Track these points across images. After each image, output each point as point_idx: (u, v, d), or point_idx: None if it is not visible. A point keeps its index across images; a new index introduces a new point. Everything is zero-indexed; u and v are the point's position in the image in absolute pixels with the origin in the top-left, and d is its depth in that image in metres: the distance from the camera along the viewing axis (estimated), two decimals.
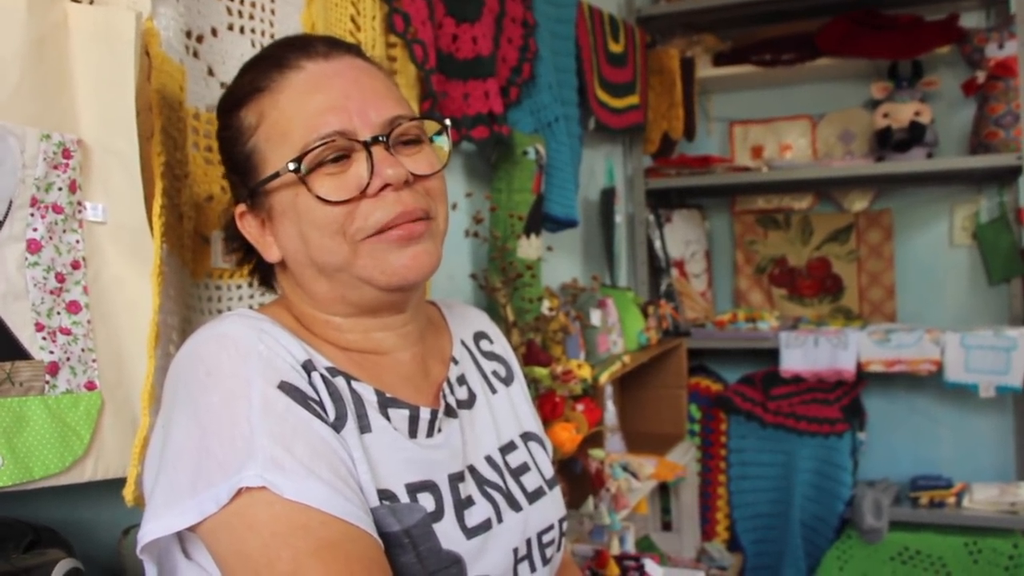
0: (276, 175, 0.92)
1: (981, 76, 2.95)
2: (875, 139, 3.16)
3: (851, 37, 3.10)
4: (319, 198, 0.90)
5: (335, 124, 0.91)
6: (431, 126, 1.02)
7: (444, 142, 1.01)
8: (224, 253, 1.09)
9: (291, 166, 0.90)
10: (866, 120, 3.37)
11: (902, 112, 3.06)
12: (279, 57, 0.96)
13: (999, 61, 2.87)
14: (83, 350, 1.03)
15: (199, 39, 1.28)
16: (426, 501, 0.90)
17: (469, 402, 1.06)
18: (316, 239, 0.92)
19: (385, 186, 0.91)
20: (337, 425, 0.87)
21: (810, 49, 3.22)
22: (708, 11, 3.27)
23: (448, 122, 1.02)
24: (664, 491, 3.08)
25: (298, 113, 0.92)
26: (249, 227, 0.99)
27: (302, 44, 0.97)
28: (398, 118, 0.94)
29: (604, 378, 2.22)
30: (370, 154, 0.91)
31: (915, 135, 3.01)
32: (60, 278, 1.02)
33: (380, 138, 0.92)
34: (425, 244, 0.94)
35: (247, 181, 0.97)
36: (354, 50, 0.99)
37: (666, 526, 3.12)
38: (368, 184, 0.91)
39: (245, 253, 1.05)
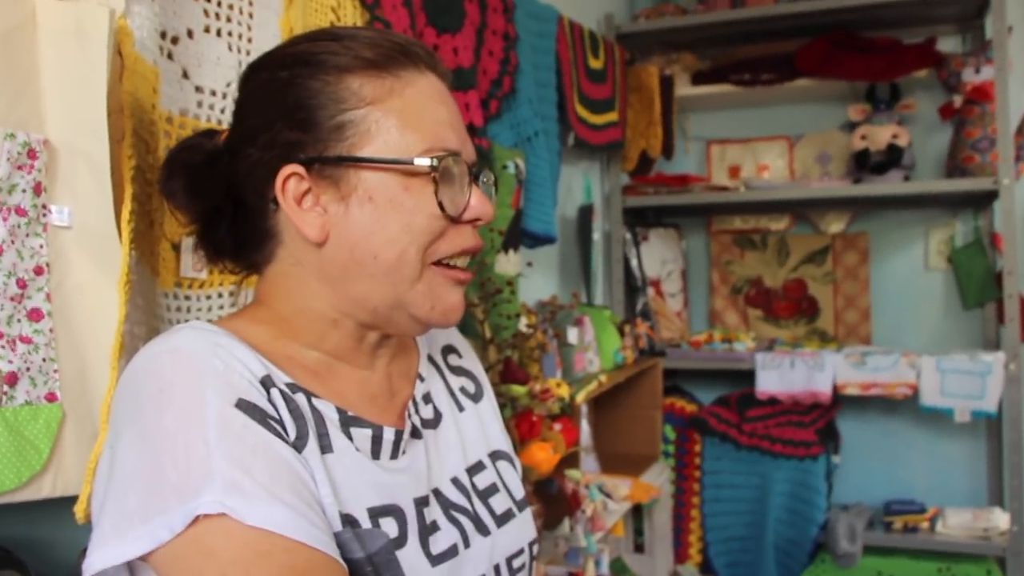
0: (406, 161, 0.88)
1: (958, 100, 2.96)
2: (852, 161, 3.16)
3: (830, 58, 3.11)
4: (440, 205, 0.89)
5: (455, 142, 0.91)
6: None
7: (494, 194, 1.05)
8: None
9: (432, 162, 0.88)
10: (843, 142, 3.38)
11: (880, 135, 3.07)
12: (400, 46, 0.92)
13: (976, 86, 2.89)
14: (44, 360, 0.99)
15: (174, 40, 1.23)
16: (389, 527, 0.86)
17: (435, 421, 1.02)
18: (403, 242, 0.88)
19: (474, 220, 0.93)
20: (298, 445, 0.83)
21: (789, 70, 3.23)
22: (687, 29, 3.28)
23: (493, 178, 1.03)
24: (637, 512, 3.05)
25: (425, 115, 0.90)
26: (291, 191, 0.89)
27: (423, 48, 0.95)
28: (476, 162, 0.96)
29: (581, 397, 2.19)
30: (471, 183, 0.93)
31: (892, 158, 3.02)
32: (21, 284, 0.97)
33: (473, 172, 0.94)
34: (463, 292, 0.95)
35: (325, 147, 0.88)
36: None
37: (639, 548, 3.09)
38: (464, 211, 0.91)
39: (205, 215, 0.95)
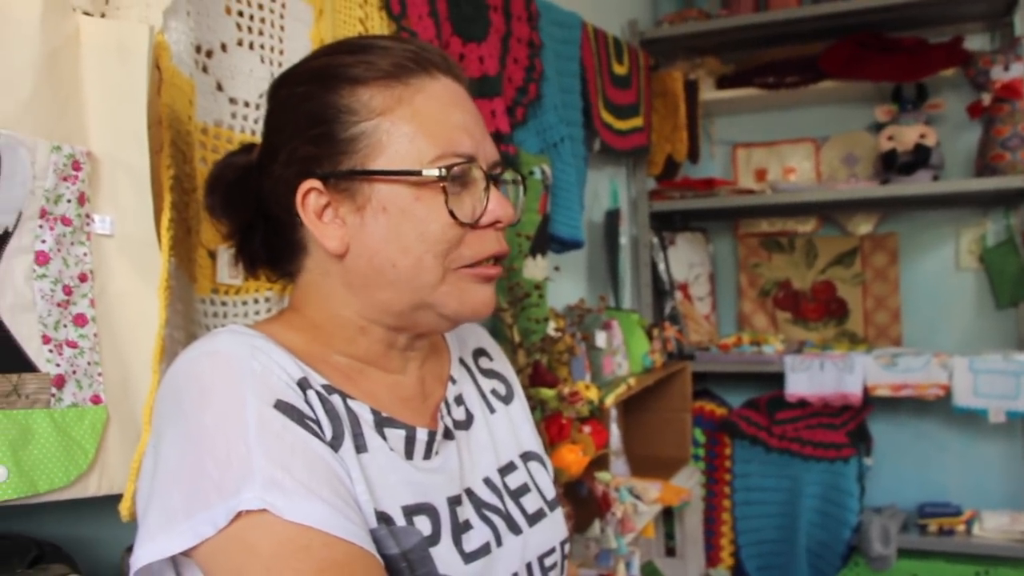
0: (414, 172, 0.89)
1: (987, 98, 2.95)
2: (880, 162, 3.15)
3: (855, 60, 3.11)
4: (452, 213, 0.89)
5: (468, 147, 0.91)
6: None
7: (522, 195, 1.04)
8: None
9: (440, 171, 0.89)
10: (870, 143, 3.37)
11: (907, 135, 3.05)
12: (412, 53, 0.93)
13: (1005, 83, 2.88)
14: (89, 363, 1.02)
15: (208, 54, 1.27)
16: (423, 525, 0.88)
17: (467, 423, 1.05)
18: (418, 251, 0.90)
19: (493, 223, 0.93)
20: (334, 444, 0.86)
21: (814, 72, 3.22)
22: (711, 34, 3.28)
23: (521, 177, 1.04)
24: (668, 516, 3.05)
25: (436, 121, 0.91)
26: (310, 206, 0.92)
27: (436, 52, 0.96)
28: (499, 162, 0.96)
29: (610, 400, 2.20)
30: (489, 188, 0.93)
31: (920, 158, 3.01)
32: (67, 290, 1.01)
33: (492, 175, 0.94)
34: (493, 287, 0.96)
35: (339, 161, 0.90)
36: (467, 84, 1.00)
37: (670, 551, 3.09)
38: (482, 215, 0.92)
39: (240, 229, 1.00)
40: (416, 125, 0.90)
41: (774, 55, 3.36)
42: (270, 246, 0.99)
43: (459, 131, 0.92)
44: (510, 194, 1.01)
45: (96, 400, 1.03)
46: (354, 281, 0.93)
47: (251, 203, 0.97)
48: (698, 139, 3.36)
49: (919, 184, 3.01)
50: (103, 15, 1.08)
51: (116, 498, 1.04)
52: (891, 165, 3.07)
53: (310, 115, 0.92)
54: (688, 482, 2.86)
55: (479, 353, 1.16)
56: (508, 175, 1.00)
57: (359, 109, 0.90)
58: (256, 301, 1.34)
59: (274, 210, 0.95)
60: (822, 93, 3.32)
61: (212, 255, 1.26)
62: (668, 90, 3.20)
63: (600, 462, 2.13)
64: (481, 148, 0.93)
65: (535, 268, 2.09)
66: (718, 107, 3.54)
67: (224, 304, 1.29)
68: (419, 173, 0.89)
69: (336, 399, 0.89)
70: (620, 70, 2.83)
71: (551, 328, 2.14)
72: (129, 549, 1.13)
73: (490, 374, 1.15)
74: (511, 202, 0.97)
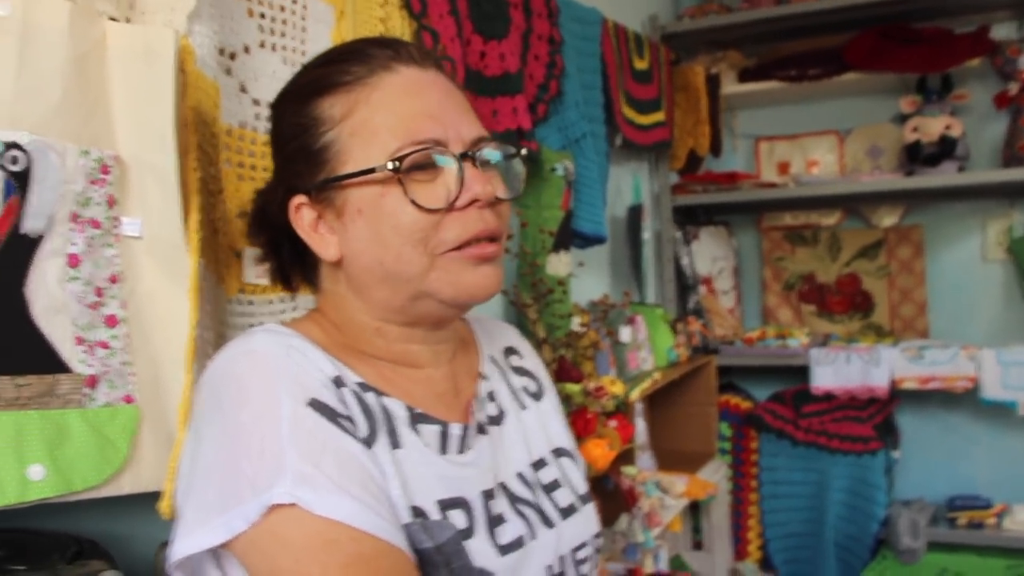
0: (369, 171, 0.90)
1: (1014, 88, 2.92)
2: (904, 153, 3.13)
3: (879, 51, 3.09)
4: (414, 203, 0.89)
5: (431, 132, 0.91)
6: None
7: (520, 168, 1.02)
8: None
9: (391, 165, 0.89)
10: (894, 135, 3.34)
11: (932, 126, 3.03)
12: (369, 54, 0.94)
13: None
14: (121, 363, 1.04)
15: (232, 56, 1.29)
16: (457, 518, 0.90)
17: (499, 418, 1.06)
18: (396, 245, 0.91)
19: (472, 202, 0.91)
20: (368, 441, 0.87)
21: (836, 64, 3.21)
22: (732, 27, 3.27)
23: (524, 151, 1.02)
24: (695, 510, 3.06)
25: (393, 114, 0.91)
26: (304, 220, 0.95)
27: (393, 46, 0.96)
28: (483, 138, 0.95)
29: (636, 394, 2.21)
30: (461, 168, 0.91)
31: (946, 149, 2.99)
32: (99, 292, 1.03)
33: (469, 154, 0.92)
34: (494, 266, 0.95)
35: (315, 173, 0.94)
36: (440, 65, 0.99)
37: (697, 545, 3.10)
38: (457, 197, 0.91)
39: (271, 249, 1.03)
40: (370, 126, 0.92)
41: (796, 47, 3.34)
42: (293, 262, 1.03)
43: (419, 118, 0.92)
44: (513, 169, 1.01)
45: (128, 400, 1.04)
46: (356, 285, 0.96)
47: (270, 224, 1.01)
48: (720, 133, 3.35)
49: (945, 176, 2.99)
50: (129, 20, 1.10)
51: (149, 496, 1.06)
52: (916, 157, 3.05)
53: (288, 132, 0.96)
54: (715, 476, 2.86)
55: (510, 351, 1.17)
56: (489, 152, 0.96)
57: (325, 119, 0.93)
58: (282, 300, 1.35)
59: (286, 227, 0.98)
60: (845, 85, 3.30)
61: (238, 255, 1.27)
62: (690, 84, 3.19)
63: (626, 456, 2.13)
64: (452, 129, 0.93)
65: (559, 264, 2.09)
66: (740, 100, 3.53)
67: (251, 303, 1.31)
68: (373, 171, 0.90)
69: (370, 396, 0.91)
70: (641, 65, 2.82)
71: (575, 323, 2.14)
72: (163, 545, 1.15)
73: (521, 371, 1.16)
74: (495, 177, 0.96)
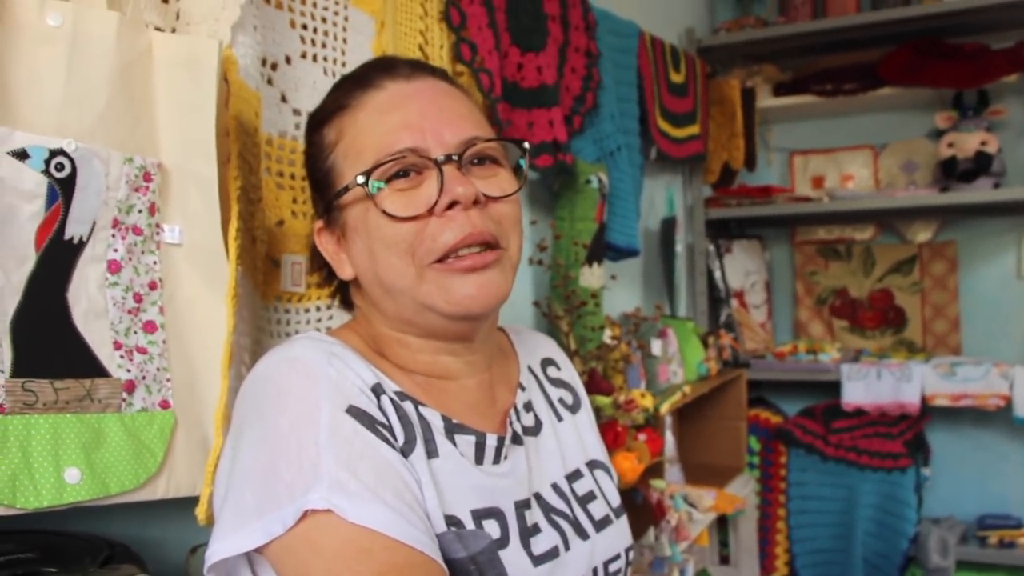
0: (346, 189, 0.93)
1: None
2: (939, 169, 3.11)
3: (914, 66, 3.07)
4: (385, 213, 0.90)
5: (407, 141, 0.91)
6: (512, 153, 1.01)
7: (522, 165, 1.01)
8: (307, 272, 1.10)
9: (359, 179, 0.90)
10: (930, 150, 3.32)
11: (967, 142, 3.01)
12: (363, 76, 0.98)
13: None
14: (158, 369, 1.05)
15: (273, 67, 1.30)
16: (491, 528, 0.89)
17: (535, 429, 1.06)
18: (384, 258, 0.92)
19: (453, 204, 0.90)
20: (405, 449, 0.87)
21: (872, 79, 3.19)
22: (768, 41, 3.27)
23: (527, 146, 1.01)
24: (722, 524, 3.04)
25: (374, 130, 0.93)
26: (326, 243, 1.00)
27: (386, 65, 0.98)
28: (474, 139, 0.93)
29: (665, 408, 2.20)
30: (441, 172, 0.90)
31: (981, 165, 2.96)
32: (138, 298, 1.04)
33: (452, 157, 0.91)
34: (492, 274, 0.92)
35: (324, 197, 0.98)
36: (439, 73, 1.00)
37: (724, 560, 3.08)
38: (436, 202, 0.90)
39: (327, 273, 1.04)
40: (356, 145, 0.94)
41: (831, 62, 3.33)
42: (340, 282, 1.05)
43: (395, 131, 0.92)
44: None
45: (164, 405, 1.06)
46: (372, 300, 0.98)
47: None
48: (755, 146, 3.34)
49: (980, 192, 2.96)
50: (174, 30, 1.11)
51: (182, 500, 1.07)
52: (951, 172, 3.02)
53: (307, 161, 1.02)
54: (743, 490, 2.84)
55: (547, 363, 1.17)
56: (470, 155, 0.93)
57: (326, 145, 0.98)
58: (318, 308, 1.36)
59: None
60: (880, 100, 3.28)
61: (276, 263, 1.28)
62: (725, 97, 3.19)
63: (655, 470, 2.13)
64: (432, 134, 0.92)
65: (591, 276, 2.09)
66: (775, 114, 3.52)
67: (288, 311, 1.32)
68: (347, 189, 0.93)
69: (408, 405, 0.91)
70: (677, 78, 2.82)
71: (607, 336, 2.14)
72: (194, 550, 1.16)
73: (558, 383, 1.16)
74: (493, 176, 0.95)
